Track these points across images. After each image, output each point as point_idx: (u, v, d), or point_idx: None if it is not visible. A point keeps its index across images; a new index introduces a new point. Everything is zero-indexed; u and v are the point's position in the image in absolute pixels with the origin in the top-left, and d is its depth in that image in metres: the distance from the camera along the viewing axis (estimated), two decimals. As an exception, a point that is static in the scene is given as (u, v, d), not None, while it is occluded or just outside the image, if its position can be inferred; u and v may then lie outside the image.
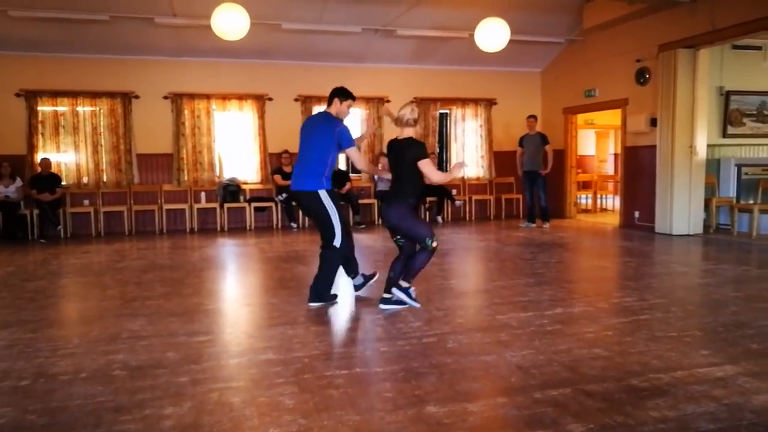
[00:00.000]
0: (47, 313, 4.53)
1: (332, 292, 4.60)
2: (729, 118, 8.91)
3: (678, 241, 7.80)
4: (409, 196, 4.26)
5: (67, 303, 5.09)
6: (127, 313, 4.35)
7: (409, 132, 4.29)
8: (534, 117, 9.79)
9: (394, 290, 4.33)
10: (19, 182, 8.84)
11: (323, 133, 4.48)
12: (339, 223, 4.43)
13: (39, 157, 9.11)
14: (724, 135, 8.93)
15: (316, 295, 4.51)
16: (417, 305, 4.34)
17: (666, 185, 8.27)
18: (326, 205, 4.41)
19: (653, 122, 8.55)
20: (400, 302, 4.34)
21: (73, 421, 2.54)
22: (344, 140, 4.46)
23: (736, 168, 8.66)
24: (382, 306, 4.37)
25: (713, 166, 8.73)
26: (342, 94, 4.59)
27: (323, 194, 4.41)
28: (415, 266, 4.30)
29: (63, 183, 9.21)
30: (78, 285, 5.70)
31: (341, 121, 4.58)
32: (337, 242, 4.43)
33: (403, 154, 4.22)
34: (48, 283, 5.62)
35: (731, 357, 3.24)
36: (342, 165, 10.65)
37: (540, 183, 9.57)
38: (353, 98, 4.65)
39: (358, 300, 4.78)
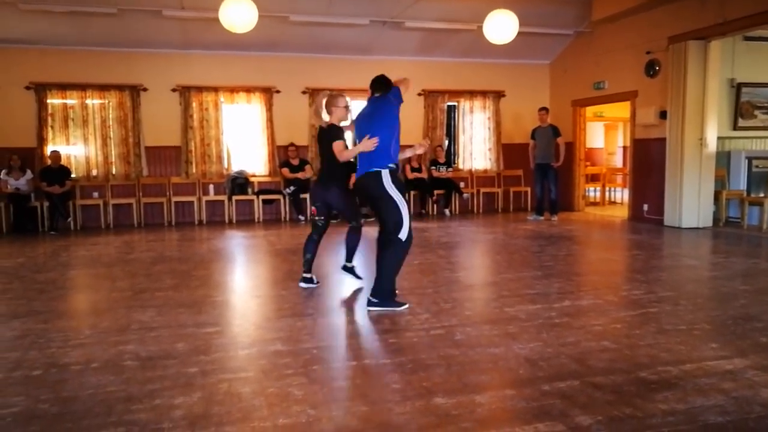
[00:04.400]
0: (58, 304, 4.58)
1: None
2: (740, 111, 8.83)
3: (687, 234, 7.76)
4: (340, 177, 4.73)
5: (78, 294, 5.13)
6: (137, 305, 4.38)
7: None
8: (546, 109, 9.73)
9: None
10: (29, 175, 8.90)
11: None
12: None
13: (49, 149, 9.16)
14: (735, 127, 8.86)
15: (379, 295, 4.12)
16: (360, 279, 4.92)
17: (675, 178, 8.22)
18: (394, 197, 4.08)
19: (663, 115, 8.49)
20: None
21: (85, 410, 2.57)
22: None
23: (746, 161, 8.59)
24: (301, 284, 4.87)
25: (723, 158, 8.66)
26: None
27: (389, 186, 4.07)
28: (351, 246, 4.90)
29: (72, 175, 9.27)
30: (88, 277, 5.75)
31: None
32: (404, 234, 4.04)
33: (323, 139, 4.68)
34: (58, 275, 5.67)
35: (740, 350, 3.23)
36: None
37: (551, 175, 9.52)
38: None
39: (366, 292, 4.78)
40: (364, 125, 4.28)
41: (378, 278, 4.11)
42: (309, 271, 4.85)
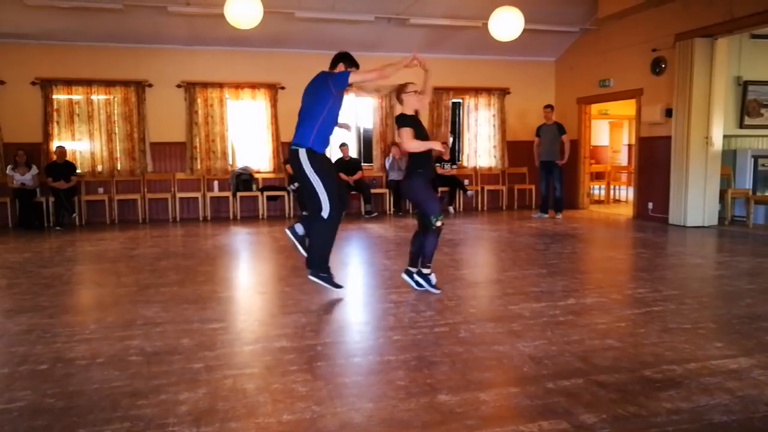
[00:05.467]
0: (64, 299, 4.60)
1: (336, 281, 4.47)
2: (746, 109, 8.79)
3: (692, 232, 7.74)
4: (418, 167, 4.38)
5: (83, 289, 5.15)
6: (142, 300, 4.40)
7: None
8: (551, 107, 9.71)
9: (416, 277, 4.54)
10: (35, 170, 8.92)
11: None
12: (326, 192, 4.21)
13: (54, 145, 9.19)
14: (741, 125, 8.82)
15: (310, 266, 4.37)
16: (437, 292, 4.46)
17: (681, 176, 8.19)
18: (311, 178, 4.21)
19: (668, 113, 8.46)
20: (420, 283, 4.54)
21: (91, 404, 2.58)
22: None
23: (752, 159, 8.56)
24: (404, 276, 4.60)
25: (729, 157, 8.63)
26: (351, 60, 4.56)
27: (307, 167, 4.18)
28: (426, 251, 4.42)
29: (78, 171, 9.29)
30: (93, 272, 5.77)
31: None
32: (325, 213, 4.21)
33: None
34: (64, 270, 5.70)
35: (745, 349, 3.22)
36: (353, 153, 10.64)
37: (556, 173, 9.51)
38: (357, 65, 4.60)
39: (370, 289, 4.79)
40: (305, 98, 4.43)
41: (309, 250, 4.34)
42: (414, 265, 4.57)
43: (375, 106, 10.65)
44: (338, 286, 4.44)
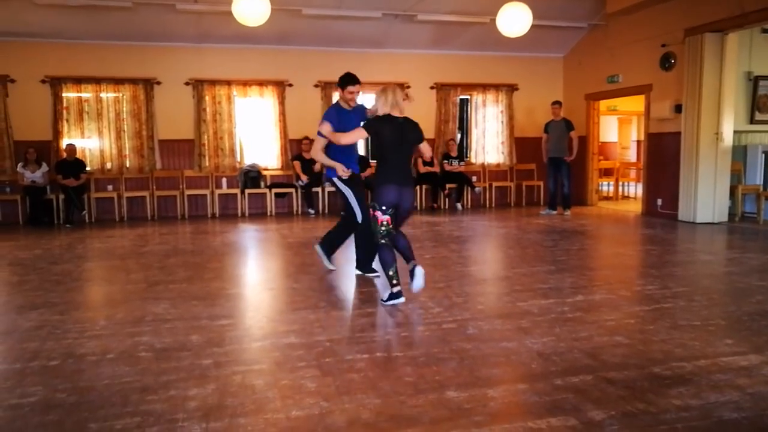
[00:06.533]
0: (74, 295, 4.64)
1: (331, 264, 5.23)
2: (757, 104, 8.71)
3: (702, 229, 7.69)
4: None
5: (93, 286, 5.19)
6: (151, 297, 4.43)
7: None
8: (559, 103, 9.67)
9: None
10: (45, 168, 8.99)
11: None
12: (356, 202, 4.88)
13: (64, 142, 9.25)
14: (752, 121, 8.75)
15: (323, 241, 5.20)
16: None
17: (690, 172, 8.13)
18: (342, 189, 4.89)
19: (678, 108, 8.40)
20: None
21: (101, 400, 2.60)
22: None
23: (763, 155, 8.48)
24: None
25: (740, 152, 8.56)
26: (340, 82, 4.90)
27: (336, 180, 4.88)
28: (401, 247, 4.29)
29: (87, 168, 9.35)
30: (103, 269, 5.81)
31: (329, 110, 4.91)
32: (359, 219, 4.87)
33: (408, 134, 4.24)
34: (74, 267, 5.74)
35: (756, 346, 3.20)
36: (362, 151, 10.64)
37: (564, 170, 9.47)
38: (353, 83, 4.90)
39: (378, 285, 4.80)
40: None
41: (330, 233, 5.14)
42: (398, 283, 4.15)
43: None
44: (332, 267, 5.20)
